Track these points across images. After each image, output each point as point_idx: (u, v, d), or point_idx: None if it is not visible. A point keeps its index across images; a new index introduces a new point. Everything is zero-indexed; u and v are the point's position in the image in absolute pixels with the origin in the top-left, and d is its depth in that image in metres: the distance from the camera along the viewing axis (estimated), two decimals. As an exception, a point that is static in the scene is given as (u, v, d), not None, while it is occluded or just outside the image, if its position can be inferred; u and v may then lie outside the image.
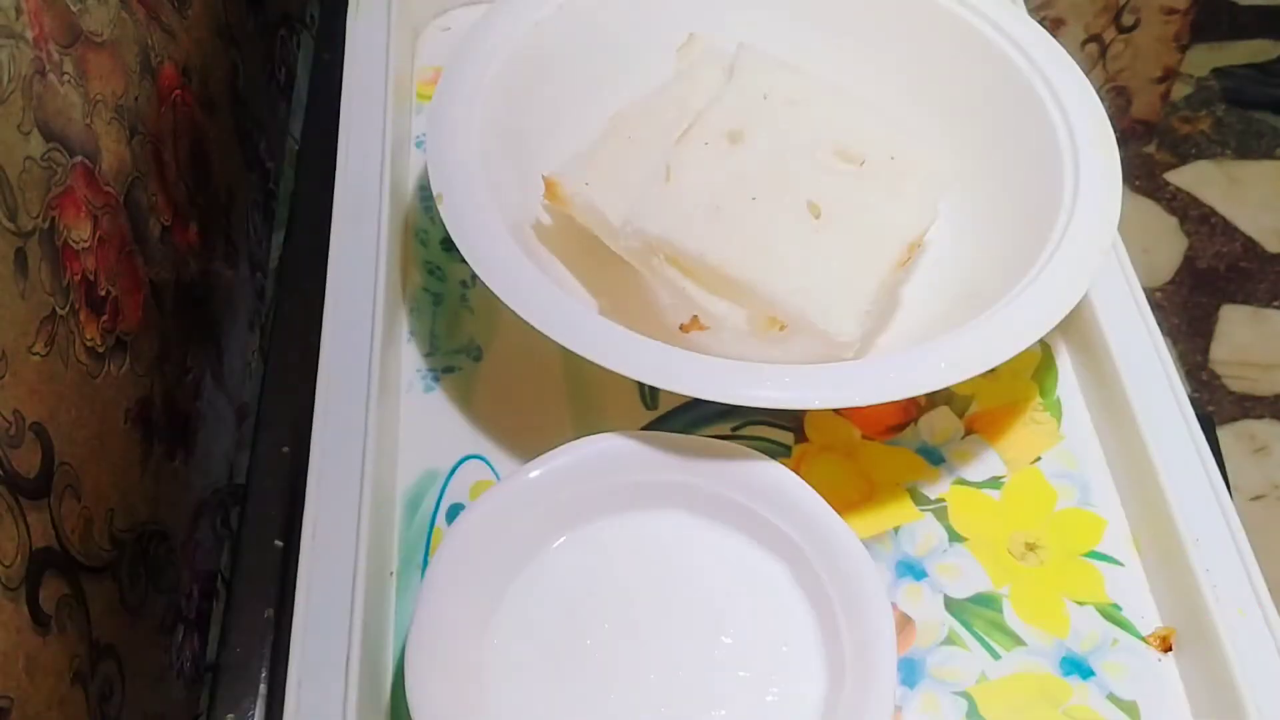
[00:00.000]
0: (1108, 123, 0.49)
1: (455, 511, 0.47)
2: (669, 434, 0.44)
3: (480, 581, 0.42)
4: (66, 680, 0.37)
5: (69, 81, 0.42)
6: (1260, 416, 1.28)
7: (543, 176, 0.48)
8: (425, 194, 0.56)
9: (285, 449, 0.51)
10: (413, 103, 0.60)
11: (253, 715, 0.46)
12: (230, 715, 0.46)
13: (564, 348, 0.42)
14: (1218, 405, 1.29)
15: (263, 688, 0.46)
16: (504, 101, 0.51)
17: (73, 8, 0.44)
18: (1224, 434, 1.26)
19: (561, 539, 0.44)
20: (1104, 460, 0.49)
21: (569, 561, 0.43)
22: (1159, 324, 0.49)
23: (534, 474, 0.43)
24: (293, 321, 0.55)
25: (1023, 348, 0.42)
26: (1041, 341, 0.43)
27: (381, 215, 0.50)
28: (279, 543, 0.49)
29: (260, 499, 0.50)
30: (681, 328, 0.46)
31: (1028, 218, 0.49)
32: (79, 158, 0.43)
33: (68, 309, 0.40)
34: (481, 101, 0.50)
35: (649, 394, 0.50)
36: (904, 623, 0.44)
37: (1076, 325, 0.50)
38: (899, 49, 0.56)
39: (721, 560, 0.44)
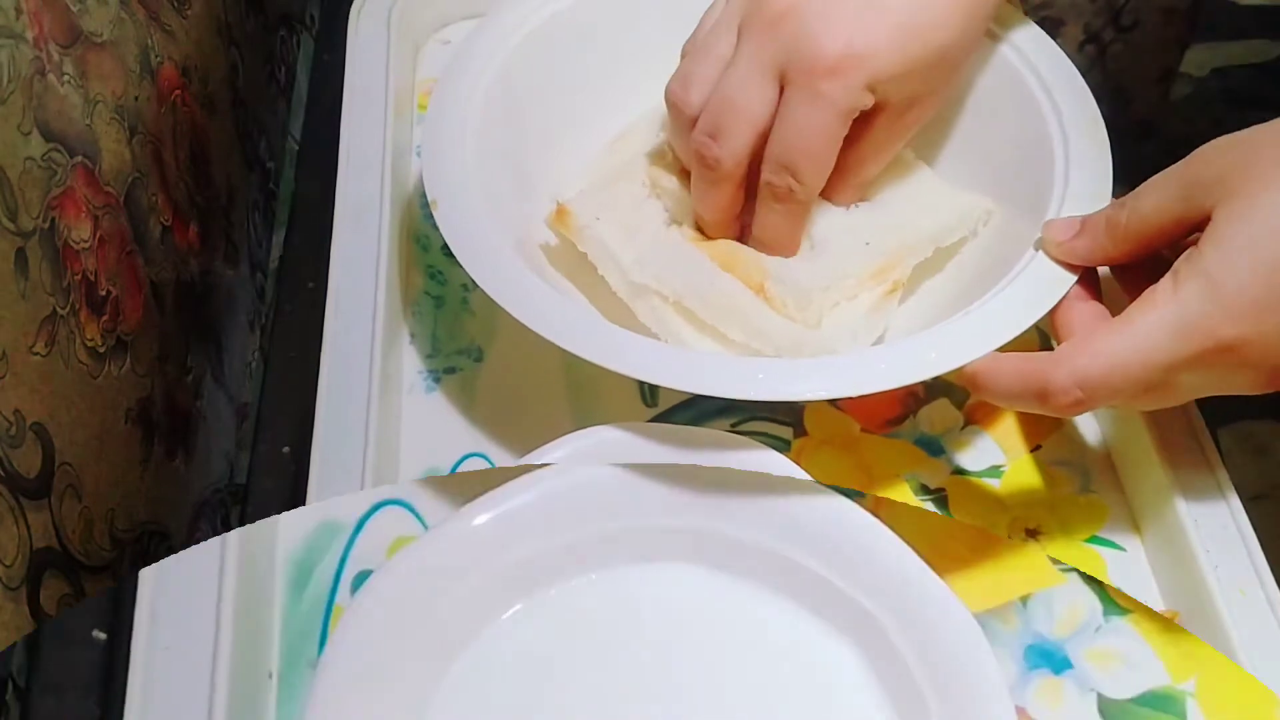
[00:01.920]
0: (1099, 118, 0.49)
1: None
2: (669, 426, 0.40)
3: (400, 675, 0.31)
4: (68, 678, 0.37)
5: (69, 81, 0.43)
6: (1260, 417, 1.28)
7: (557, 201, 0.49)
8: (426, 201, 0.56)
9: (285, 449, 0.51)
10: (414, 114, 0.60)
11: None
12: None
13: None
14: (1218, 405, 1.29)
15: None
16: (498, 108, 0.51)
17: (73, 8, 0.44)
18: (1224, 434, 1.26)
19: (515, 607, 0.33)
20: (1104, 446, 0.49)
21: (528, 638, 0.32)
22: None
23: (479, 519, 0.32)
24: (293, 321, 0.55)
25: (1013, 335, 0.42)
26: (1039, 329, 0.43)
27: (382, 224, 0.50)
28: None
29: (260, 499, 0.50)
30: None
31: (1019, 211, 0.49)
32: (79, 158, 0.43)
33: (68, 309, 0.41)
34: (476, 108, 0.50)
35: (649, 391, 0.50)
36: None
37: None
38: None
39: (756, 636, 0.32)
